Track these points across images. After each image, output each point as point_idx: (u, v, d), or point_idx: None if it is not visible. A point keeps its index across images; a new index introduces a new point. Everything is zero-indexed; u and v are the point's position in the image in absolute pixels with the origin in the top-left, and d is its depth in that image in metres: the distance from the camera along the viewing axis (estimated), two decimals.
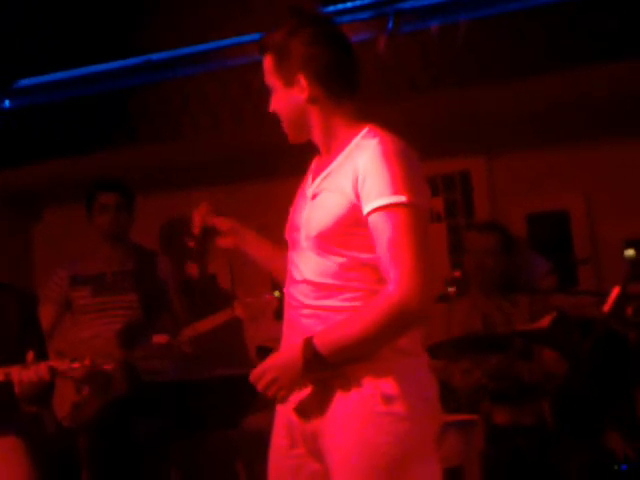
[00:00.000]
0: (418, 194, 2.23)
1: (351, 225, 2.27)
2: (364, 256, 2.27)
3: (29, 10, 5.12)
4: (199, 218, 2.59)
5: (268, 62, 2.40)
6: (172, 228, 5.34)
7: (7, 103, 5.16)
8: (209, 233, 2.60)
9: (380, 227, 2.22)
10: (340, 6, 4.56)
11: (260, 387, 2.30)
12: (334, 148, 2.40)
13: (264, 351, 4.06)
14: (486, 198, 5.30)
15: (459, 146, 5.16)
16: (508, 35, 4.41)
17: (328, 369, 2.24)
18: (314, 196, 2.38)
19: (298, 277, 2.36)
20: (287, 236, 2.48)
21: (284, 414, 2.38)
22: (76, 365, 3.10)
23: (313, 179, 2.43)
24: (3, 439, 3.31)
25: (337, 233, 2.28)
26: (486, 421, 3.78)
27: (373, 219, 2.23)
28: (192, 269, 2.63)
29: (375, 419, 2.21)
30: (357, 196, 2.25)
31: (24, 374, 3.09)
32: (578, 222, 5.20)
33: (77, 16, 5.08)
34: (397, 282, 2.18)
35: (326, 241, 2.29)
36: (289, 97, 2.39)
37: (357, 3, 4.55)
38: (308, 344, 2.23)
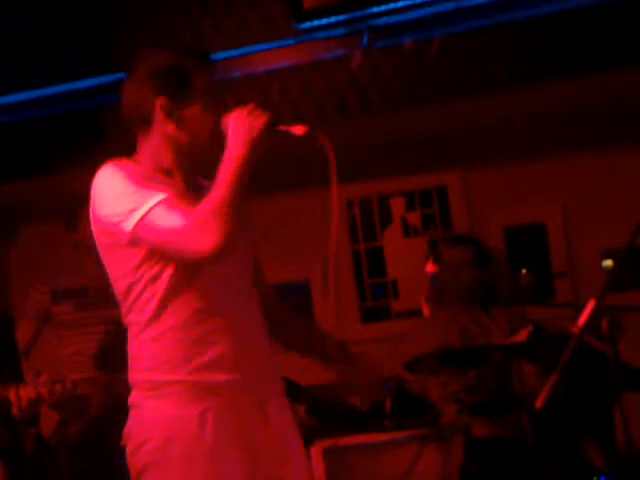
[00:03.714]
0: None
1: None
2: None
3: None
4: None
5: None
6: None
7: None
8: None
9: None
10: (315, 23, 4.57)
11: None
12: None
13: None
14: (464, 212, 5.31)
15: (435, 161, 5.18)
16: (482, 50, 4.44)
17: None
18: None
19: None
20: None
21: None
22: (58, 387, 3.09)
23: None
24: None
25: None
26: (465, 434, 3.77)
27: None
28: None
29: None
30: None
31: (22, 393, 3.06)
32: (555, 234, 5.23)
33: (51, 34, 5.06)
34: None
35: None
36: None
37: (332, 20, 4.57)
38: None
